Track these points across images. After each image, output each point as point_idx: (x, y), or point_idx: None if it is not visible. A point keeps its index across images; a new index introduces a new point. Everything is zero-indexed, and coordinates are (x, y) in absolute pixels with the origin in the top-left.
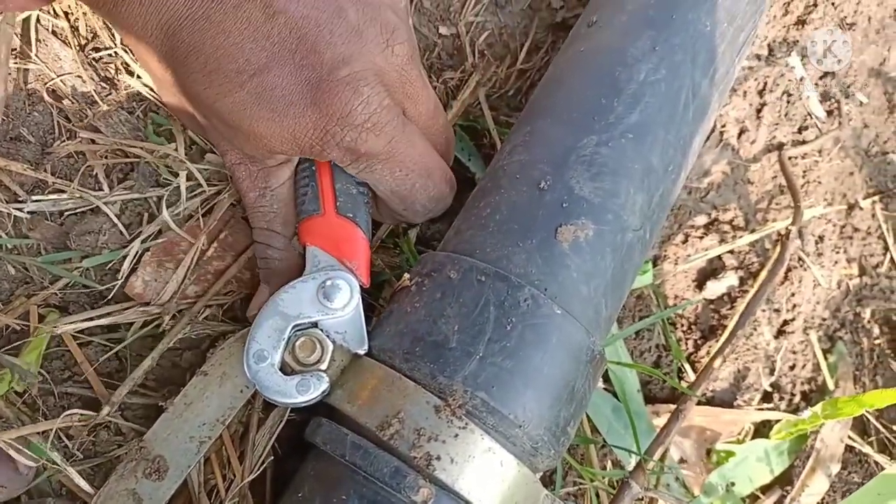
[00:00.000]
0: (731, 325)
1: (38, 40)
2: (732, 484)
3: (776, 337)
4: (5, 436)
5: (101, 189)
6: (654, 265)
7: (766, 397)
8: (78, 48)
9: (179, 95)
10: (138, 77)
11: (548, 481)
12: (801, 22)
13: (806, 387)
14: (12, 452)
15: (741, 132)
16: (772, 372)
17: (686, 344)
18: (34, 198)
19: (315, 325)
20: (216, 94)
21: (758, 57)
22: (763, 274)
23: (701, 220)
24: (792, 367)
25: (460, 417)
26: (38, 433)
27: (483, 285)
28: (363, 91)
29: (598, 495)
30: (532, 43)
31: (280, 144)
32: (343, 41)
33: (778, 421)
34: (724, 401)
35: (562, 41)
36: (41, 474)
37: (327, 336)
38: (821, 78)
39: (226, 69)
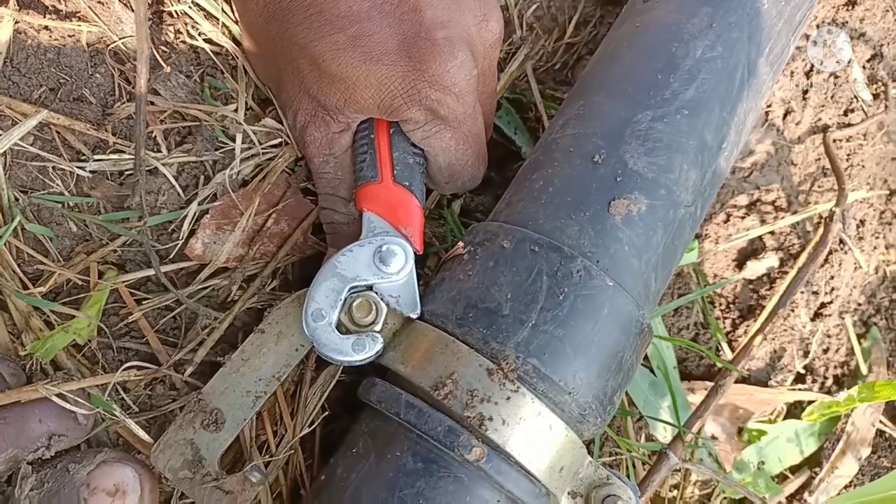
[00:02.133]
0: (772, 303)
1: (100, 3)
2: (762, 462)
3: (812, 319)
4: (66, 387)
5: (159, 151)
6: None
7: (799, 379)
8: None
9: (268, 42)
10: (203, 38)
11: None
12: (851, 3)
13: (839, 371)
14: (71, 404)
15: (787, 113)
16: (806, 354)
17: (724, 323)
18: (96, 157)
19: (370, 288)
20: (315, 35)
21: (806, 37)
22: (805, 254)
23: (743, 199)
24: (826, 351)
25: (512, 381)
26: (97, 386)
27: (536, 255)
28: (458, 56)
29: (633, 465)
30: (580, 17)
31: (364, 91)
32: (444, 6)
33: (811, 402)
34: (758, 380)
35: (610, 16)
36: (99, 425)
37: (381, 299)
38: (868, 60)
39: (328, 13)
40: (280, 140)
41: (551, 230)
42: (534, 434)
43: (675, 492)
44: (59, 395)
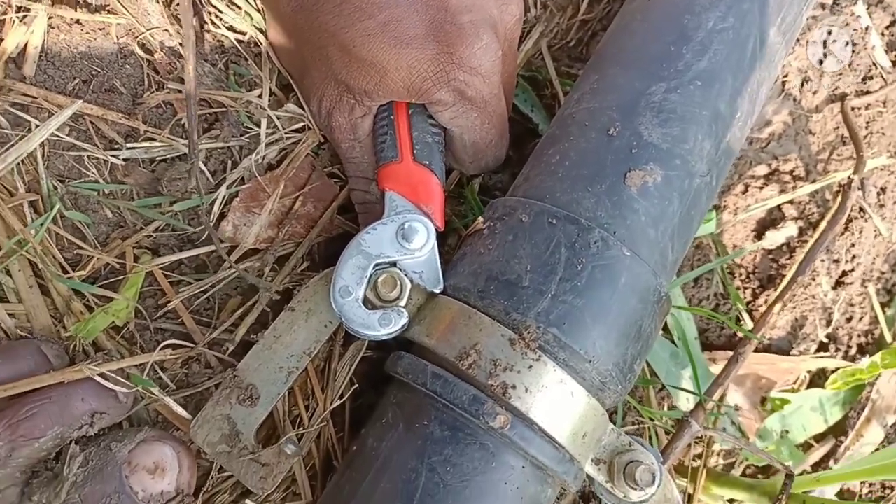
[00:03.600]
0: (791, 271)
1: None
2: (786, 431)
3: (834, 288)
4: (107, 367)
5: (187, 138)
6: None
7: (822, 348)
8: (164, 2)
9: (295, 30)
10: (227, 26)
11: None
12: None
13: (862, 339)
14: (112, 383)
15: (803, 82)
16: (828, 323)
17: (744, 293)
18: (129, 145)
19: (394, 264)
20: (346, 22)
21: (822, 6)
22: (824, 222)
23: (761, 170)
24: (849, 319)
25: (534, 350)
26: (136, 365)
27: (554, 228)
28: (483, 38)
29: (656, 434)
30: None
31: (395, 74)
32: None
33: (834, 370)
34: (780, 349)
35: None
36: (139, 402)
37: (405, 275)
38: (887, 27)
39: (357, 1)
40: (303, 125)
41: (568, 203)
42: (556, 401)
43: (699, 461)
44: (101, 375)
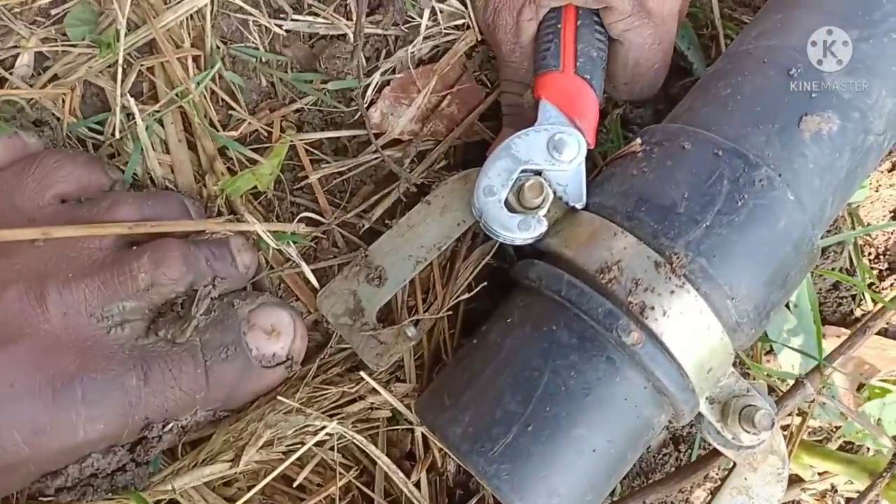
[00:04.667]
0: None
1: None
2: (879, 420)
3: None
4: (243, 227)
5: (350, 18)
6: None
7: None
8: None
9: None
10: None
11: None
12: None
13: None
14: (240, 247)
15: None
16: None
17: (870, 272)
18: (293, 17)
19: (539, 173)
20: None
21: None
22: None
23: None
24: None
25: (679, 276)
26: (271, 231)
27: (719, 159)
28: None
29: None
30: None
31: None
32: None
33: None
34: (893, 335)
35: None
36: (261, 271)
37: (549, 185)
38: None
39: None
40: (463, 22)
41: (736, 137)
42: (691, 330)
43: (786, 432)
44: (238, 233)
